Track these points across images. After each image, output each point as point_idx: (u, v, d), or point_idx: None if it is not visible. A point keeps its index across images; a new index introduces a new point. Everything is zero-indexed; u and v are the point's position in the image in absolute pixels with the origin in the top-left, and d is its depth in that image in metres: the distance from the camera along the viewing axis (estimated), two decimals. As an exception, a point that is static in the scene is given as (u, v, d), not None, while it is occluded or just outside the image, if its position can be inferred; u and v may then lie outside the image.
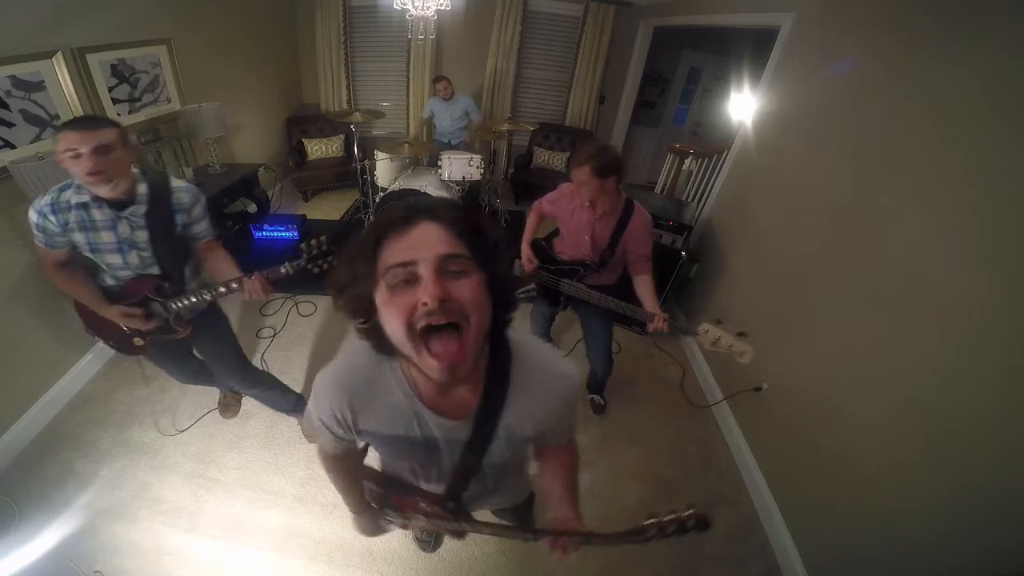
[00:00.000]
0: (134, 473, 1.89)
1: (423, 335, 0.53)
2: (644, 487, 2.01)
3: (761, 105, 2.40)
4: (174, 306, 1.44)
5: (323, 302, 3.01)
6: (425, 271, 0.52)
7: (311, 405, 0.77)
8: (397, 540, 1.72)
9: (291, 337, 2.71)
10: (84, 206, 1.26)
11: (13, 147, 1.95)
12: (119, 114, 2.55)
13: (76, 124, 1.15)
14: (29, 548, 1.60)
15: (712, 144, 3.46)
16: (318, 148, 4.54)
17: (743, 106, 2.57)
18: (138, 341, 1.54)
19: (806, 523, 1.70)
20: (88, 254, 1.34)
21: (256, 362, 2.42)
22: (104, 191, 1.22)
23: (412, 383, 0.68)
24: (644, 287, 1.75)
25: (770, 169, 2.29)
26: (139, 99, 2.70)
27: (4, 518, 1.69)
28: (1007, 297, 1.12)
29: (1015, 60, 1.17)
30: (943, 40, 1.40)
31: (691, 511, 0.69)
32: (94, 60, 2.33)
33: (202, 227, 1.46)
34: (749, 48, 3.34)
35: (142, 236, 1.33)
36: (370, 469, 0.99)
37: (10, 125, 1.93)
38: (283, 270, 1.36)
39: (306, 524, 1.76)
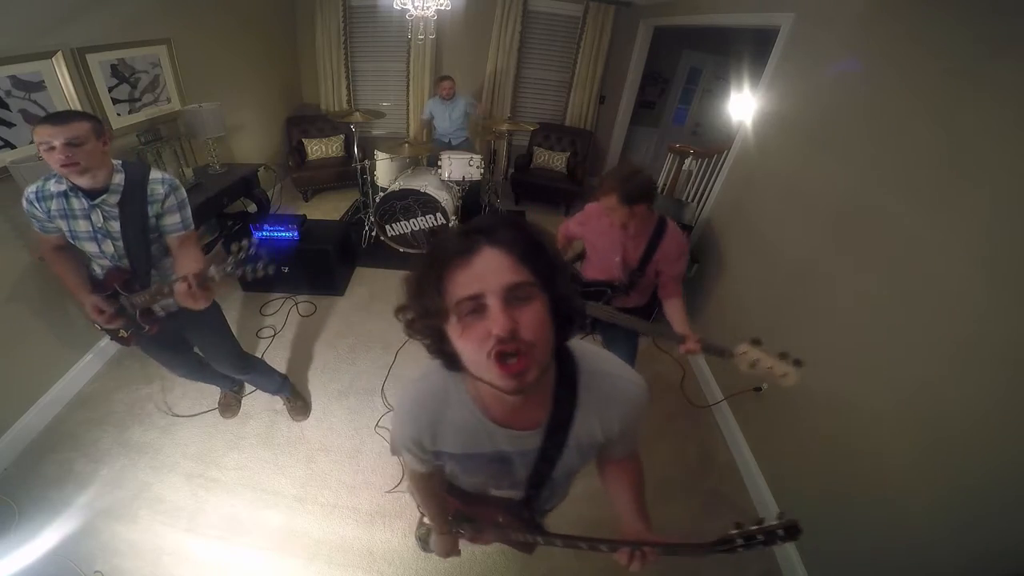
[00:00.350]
0: (134, 473, 1.89)
1: (496, 356, 0.54)
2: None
3: (761, 105, 2.40)
4: (134, 301, 1.43)
5: (323, 302, 3.01)
6: (492, 302, 0.52)
7: (395, 430, 0.81)
8: (397, 540, 1.72)
9: (291, 337, 2.71)
10: (64, 194, 1.30)
11: (13, 147, 1.95)
12: (119, 114, 2.55)
13: (49, 118, 1.18)
14: (29, 548, 1.60)
15: (712, 144, 3.46)
16: (318, 148, 4.54)
17: (743, 106, 2.57)
18: (122, 333, 1.53)
19: (806, 523, 1.69)
20: (72, 241, 1.37)
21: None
22: (82, 181, 1.25)
23: (479, 401, 0.69)
24: (675, 311, 1.67)
25: (770, 169, 2.29)
26: (139, 99, 2.70)
27: (4, 518, 1.69)
28: (1008, 297, 1.12)
29: (1015, 59, 1.17)
30: (943, 39, 1.40)
31: (780, 520, 0.68)
32: (94, 60, 2.33)
33: (174, 219, 1.42)
34: (749, 48, 3.34)
35: (115, 226, 1.35)
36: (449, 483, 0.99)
37: (10, 125, 1.93)
38: (211, 273, 1.20)
39: (306, 524, 1.76)
